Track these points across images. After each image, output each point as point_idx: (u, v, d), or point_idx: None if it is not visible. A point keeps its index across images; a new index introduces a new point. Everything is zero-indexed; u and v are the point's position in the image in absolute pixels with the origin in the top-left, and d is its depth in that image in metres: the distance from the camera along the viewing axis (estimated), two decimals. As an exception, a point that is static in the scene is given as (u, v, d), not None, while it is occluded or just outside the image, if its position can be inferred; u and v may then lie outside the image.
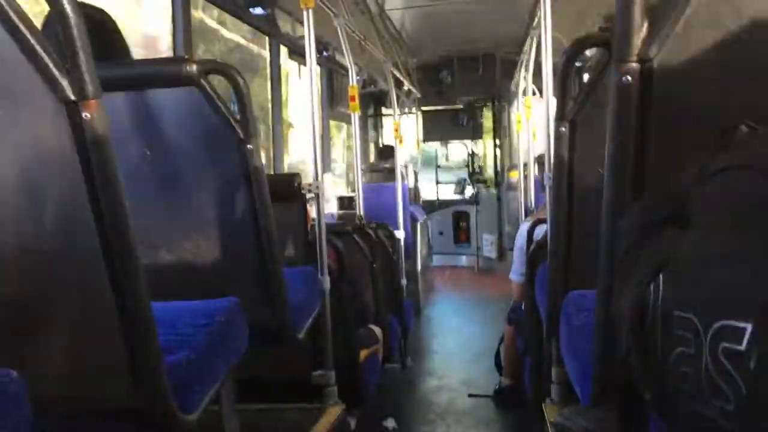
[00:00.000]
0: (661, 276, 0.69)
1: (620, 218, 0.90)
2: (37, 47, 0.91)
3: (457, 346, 4.87)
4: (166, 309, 1.34)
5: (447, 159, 9.20)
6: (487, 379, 3.75)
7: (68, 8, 0.91)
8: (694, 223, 0.69)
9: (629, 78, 0.91)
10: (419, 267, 5.83)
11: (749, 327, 0.54)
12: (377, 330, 3.26)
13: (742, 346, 0.54)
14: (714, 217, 0.66)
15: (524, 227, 3.20)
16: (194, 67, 1.55)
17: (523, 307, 3.11)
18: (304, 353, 2.37)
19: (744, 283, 0.57)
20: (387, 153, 6.89)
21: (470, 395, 3.64)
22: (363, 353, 2.91)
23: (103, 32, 1.66)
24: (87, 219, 0.96)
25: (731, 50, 0.88)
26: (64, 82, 0.92)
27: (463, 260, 8.47)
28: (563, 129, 1.60)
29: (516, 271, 3.34)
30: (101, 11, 1.70)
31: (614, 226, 0.95)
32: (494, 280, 7.34)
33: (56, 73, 0.92)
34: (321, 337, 2.36)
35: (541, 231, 2.63)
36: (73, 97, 0.93)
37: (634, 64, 0.90)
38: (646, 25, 0.88)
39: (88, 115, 0.93)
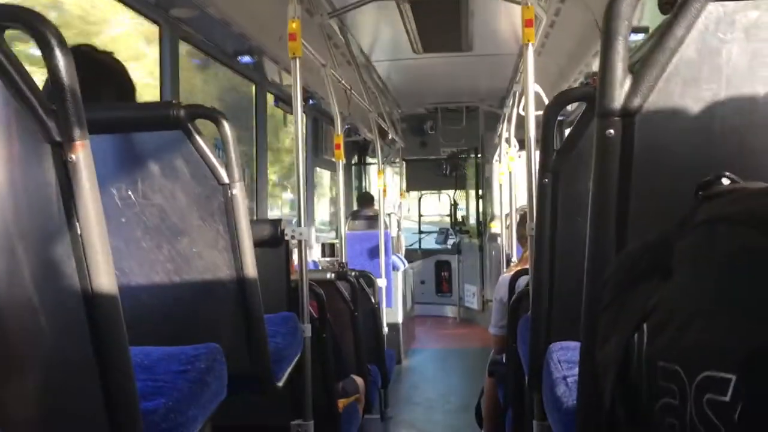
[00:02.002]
0: (645, 326, 0.69)
1: (603, 269, 0.90)
2: (24, 87, 0.91)
3: (438, 397, 4.81)
4: (145, 354, 1.31)
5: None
6: (468, 432, 3.70)
7: (57, 50, 0.92)
8: (676, 273, 0.69)
9: (612, 131, 0.92)
10: (400, 316, 5.80)
11: (733, 378, 0.54)
12: (359, 380, 3.22)
13: (727, 398, 0.54)
14: (696, 267, 0.67)
15: (505, 278, 3.21)
16: (181, 111, 1.56)
17: (503, 359, 3.10)
18: (282, 402, 2.33)
19: (727, 333, 0.57)
20: (366, 200, 6.93)
21: None
22: (342, 403, 2.87)
23: (109, 74, 1.68)
24: (67, 260, 0.95)
25: (712, 106, 0.90)
26: (51, 123, 0.92)
27: (445, 310, 8.44)
28: (546, 180, 1.62)
29: (495, 324, 3.33)
30: (109, 54, 1.73)
31: (597, 276, 0.95)
32: (476, 330, 7.31)
33: (42, 113, 0.92)
34: (300, 385, 2.33)
35: (522, 282, 2.64)
36: (58, 138, 0.93)
37: (617, 118, 0.92)
38: (628, 79, 0.90)
39: (74, 157, 0.93)
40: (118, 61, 1.76)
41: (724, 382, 0.54)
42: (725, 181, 0.71)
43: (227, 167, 1.64)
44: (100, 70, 1.68)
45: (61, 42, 0.92)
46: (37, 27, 0.91)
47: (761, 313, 0.54)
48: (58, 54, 0.92)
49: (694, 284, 0.65)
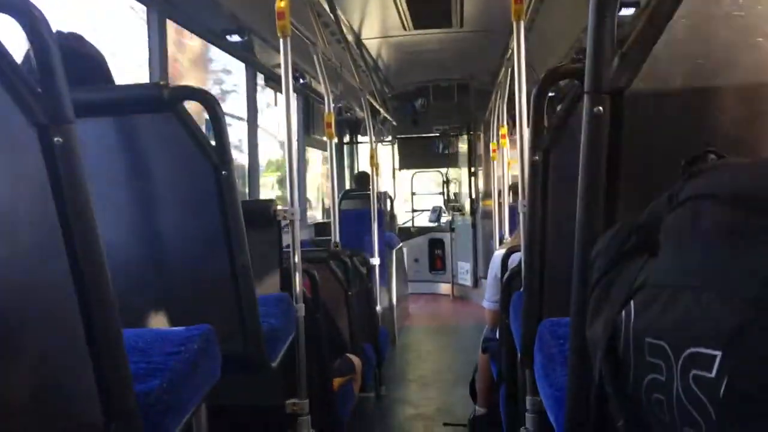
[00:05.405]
0: (632, 302, 0.69)
1: (593, 246, 0.91)
2: (9, 70, 0.90)
3: (432, 374, 4.84)
4: (138, 336, 1.31)
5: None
6: (462, 408, 3.73)
7: (43, 32, 0.91)
8: (663, 250, 0.70)
9: (601, 108, 0.92)
10: (394, 294, 5.82)
11: (719, 355, 0.54)
12: (355, 359, 3.24)
13: (713, 374, 0.54)
14: (681, 244, 0.67)
15: (498, 255, 3.22)
16: (169, 93, 1.55)
17: (497, 335, 3.11)
18: (277, 382, 2.35)
19: (712, 310, 0.57)
20: (363, 180, 6.91)
21: (445, 424, 3.61)
22: (337, 382, 2.89)
23: (85, 58, 1.66)
24: (58, 244, 0.95)
25: (700, 82, 0.90)
26: (36, 106, 0.91)
27: (439, 287, 8.47)
28: (537, 158, 1.62)
29: (489, 299, 3.35)
30: (81, 38, 1.71)
31: (587, 253, 0.96)
32: (469, 307, 7.35)
33: (28, 95, 0.91)
34: (295, 365, 2.34)
35: (515, 259, 2.65)
36: (44, 121, 0.92)
37: (606, 95, 0.91)
38: (617, 57, 0.90)
39: (60, 139, 0.92)
40: (91, 44, 1.74)
41: (709, 358, 0.55)
42: (712, 157, 0.71)
43: (218, 149, 1.63)
44: (83, 57, 1.67)
45: (47, 26, 0.92)
46: (24, 11, 0.90)
47: (744, 290, 0.54)
48: (44, 37, 0.91)
49: (679, 261, 0.66)
